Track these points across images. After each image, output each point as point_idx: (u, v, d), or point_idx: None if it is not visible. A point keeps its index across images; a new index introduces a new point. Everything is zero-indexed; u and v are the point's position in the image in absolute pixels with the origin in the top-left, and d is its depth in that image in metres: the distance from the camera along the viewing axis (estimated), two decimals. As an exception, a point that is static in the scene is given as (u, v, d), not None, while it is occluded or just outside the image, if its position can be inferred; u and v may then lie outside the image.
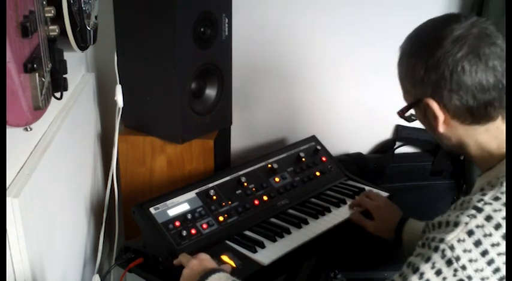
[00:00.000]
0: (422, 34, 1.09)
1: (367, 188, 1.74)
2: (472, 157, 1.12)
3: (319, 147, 1.84)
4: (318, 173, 1.78)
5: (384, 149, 2.12)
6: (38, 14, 1.01)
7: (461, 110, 1.05)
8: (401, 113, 1.17)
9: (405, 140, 2.10)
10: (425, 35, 1.08)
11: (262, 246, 1.44)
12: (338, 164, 1.86)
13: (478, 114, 1.05)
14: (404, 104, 1.17)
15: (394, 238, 1.46)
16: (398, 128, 2.10)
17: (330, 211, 1.62)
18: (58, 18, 1.13)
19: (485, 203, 0.96)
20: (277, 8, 1.97)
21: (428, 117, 1.11)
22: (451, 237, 0.94)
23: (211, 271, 1.18)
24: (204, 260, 1.25)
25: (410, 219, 1.46)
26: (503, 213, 0.94)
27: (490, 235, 0.93)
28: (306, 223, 1.55)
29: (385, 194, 1.67)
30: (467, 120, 1.06)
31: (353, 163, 2.02)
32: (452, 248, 0.93)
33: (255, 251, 1.41)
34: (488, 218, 0.94)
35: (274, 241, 1.47)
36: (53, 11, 1.08)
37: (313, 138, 1.88)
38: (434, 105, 1.06)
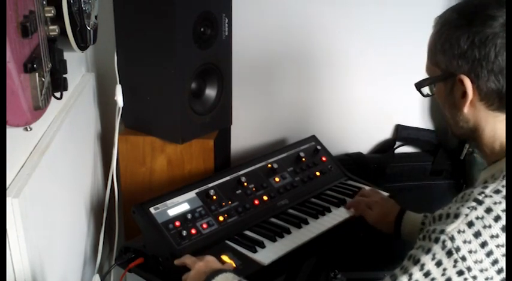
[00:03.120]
0: (471, 8, 1.05)
1: (366, 187, 1.74)
2: (482, 145, 1.11)
3: (319, 147, 1.83)
4: (318, 173, 1.78)
5: (384, 149, 2.12)
6: (38, 14, 1.01)
7: (494, 93, 1.03)
8: (421, 85, 1.13)
9: (405, 140, 2.10)
10: (475, 10, 1.04)
11: (262, 246, 1.44)
12: (338, 164, 1.86)
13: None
14: (420, 77, 1.13)
15: (394, 231, 1.46)
16: (398, 128, 2.10)
17: (330, 211, 1.62)
18: (58, 18, 1.14)
19: (486, 196, 0.97)
20: (277, 8, 1.97)
21: (453, 94, 1.08)
22: (451, 228, 0.95)
23: (218, 271, 1.19)
24: (210, 261, 1.26)
25: (407, 211, 1.47)
26: (503, 206, 0.95)
27: (490, 226, 0.94)
28: (306, 223, 1.55)
29: (385, 194, 1.67)
30: (494, 105, 1.05)
31: (353, 163, 2.02)
32: (452, 239, 0.94)
33: (255, 251, 1.41)
34: (488, 210, 0.95)
35: (274, 241, 1.47)
36: (53, 11, 1.08)
37: (313, 138, 1.88)
38: (468, 83, 1.03)
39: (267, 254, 1.41)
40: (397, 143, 2.10)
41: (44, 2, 1.06)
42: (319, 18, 1.98)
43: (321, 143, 1.87)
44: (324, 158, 1.83)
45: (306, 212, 1.61)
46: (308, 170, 1.77)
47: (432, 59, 1.11)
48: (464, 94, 1.05)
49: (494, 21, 1.00)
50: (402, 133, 2.10)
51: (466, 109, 1.07)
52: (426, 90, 1.13)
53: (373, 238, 1.61)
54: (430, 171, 2.05)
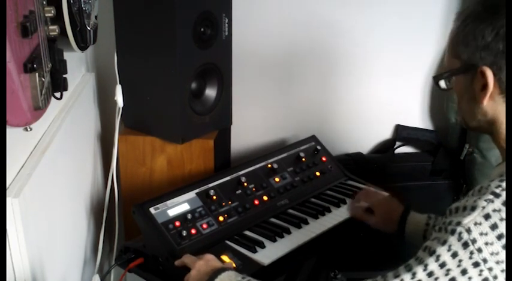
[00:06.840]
0: (496, 1, 1.04)
1: (362, 186, 1.73)
2: (499, 139, 1.10)
3: (319, 147, 1.84)
4: (318, 173, 1.78)
5: (384, 149, 2.12)
6: (38, 14, 1.01)
7: None
8: (439, 78, 1.12)
9: (405, 140, 2.10)
10: (501, 3, 1.02)
11: (262, 246, 1.44)
12: (338, 164, 1.86)
13: None
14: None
15: (397, 230, 1.46)
16: (398, 128, 2.10)
17: (330, 211, 1.62)
18: (58, 18, 1.14)
19: (503, 189, 0.97)
20: (277, 8, 1.97)
21: (473, 86, 1.07)
22: (468, 220, 0.95)
23: (220, 270, 1.19)
24: (210, 260, 1.25)
25: (412, 212, 1.46)
26: None
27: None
28: (306, 223, 1.55)
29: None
30: None
31: (353, 163, 2.02)
32: (468, 231, 0.94)
33: (255, 251, 1.41)
34: (505, 203, 0.95)
35: (274, 241, 1.47)
36: (53, 11, 1.08)
37: (313, 138, 1.88)
38: (490, 75, 1.02)
39: (267, 254, 1.41)
40: (397, 143, 2.10)
41: (44, 2, 1.06)
42: (319, 18, 1.98)
43: (321, 143, 1.87)
44: (324, 158, 1.83)
45: (306, 212, 1.61)
46: (308, 170, 1.77)
47: (453, 50, 1.10)
48: (484, 87, 1.04)
49: None
50: (402, 133, 2.10)
51: (486, 102, 1.06)
52: (444, 83, 1.13)
53: (373, 238, 1.60)
54: (430, 171, 2.04)
